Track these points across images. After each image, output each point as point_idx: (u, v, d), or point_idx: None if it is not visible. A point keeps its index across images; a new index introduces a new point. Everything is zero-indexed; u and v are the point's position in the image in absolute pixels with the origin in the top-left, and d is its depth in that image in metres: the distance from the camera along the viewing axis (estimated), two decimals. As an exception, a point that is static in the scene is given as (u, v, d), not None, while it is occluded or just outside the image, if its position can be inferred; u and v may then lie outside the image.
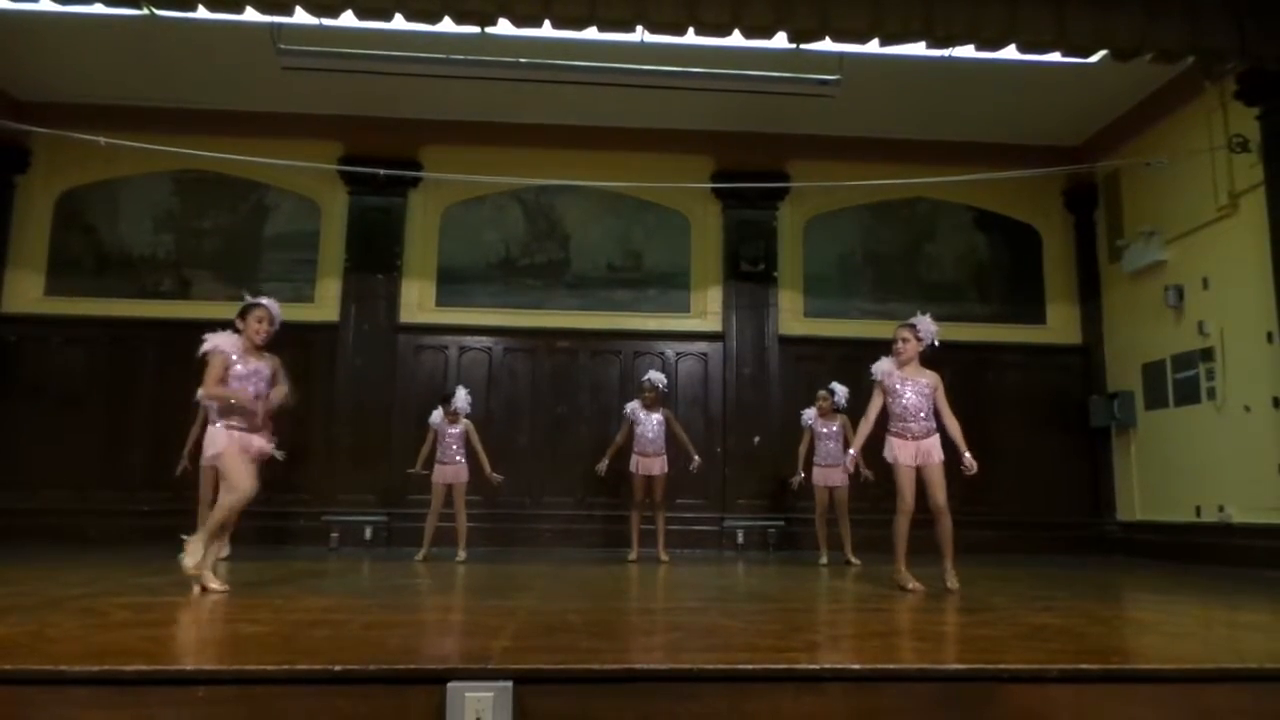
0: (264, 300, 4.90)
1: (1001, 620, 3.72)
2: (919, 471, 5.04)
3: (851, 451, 5.45)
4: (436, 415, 7.39)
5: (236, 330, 4.76)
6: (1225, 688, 2.56)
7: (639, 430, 7.55)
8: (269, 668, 2.39)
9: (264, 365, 4.78)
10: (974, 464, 5.00)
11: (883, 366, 5.22)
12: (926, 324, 5.22)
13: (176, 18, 6.58)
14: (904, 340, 5.18)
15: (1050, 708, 2.48)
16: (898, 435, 5.11)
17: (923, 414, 5.07)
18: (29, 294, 8.97)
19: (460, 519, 7.30)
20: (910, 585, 4.98)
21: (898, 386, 5.13)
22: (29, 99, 8.95)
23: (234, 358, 4.65)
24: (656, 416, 7.60)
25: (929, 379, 5.16)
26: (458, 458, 7.29)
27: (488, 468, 7.34)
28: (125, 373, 8.84)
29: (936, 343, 5.23)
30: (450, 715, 2.29)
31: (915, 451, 5.04)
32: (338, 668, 2.38)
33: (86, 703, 2.30)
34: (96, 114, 8.75)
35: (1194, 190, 8.09)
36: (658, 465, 7.53)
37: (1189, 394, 8.22)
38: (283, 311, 5.00)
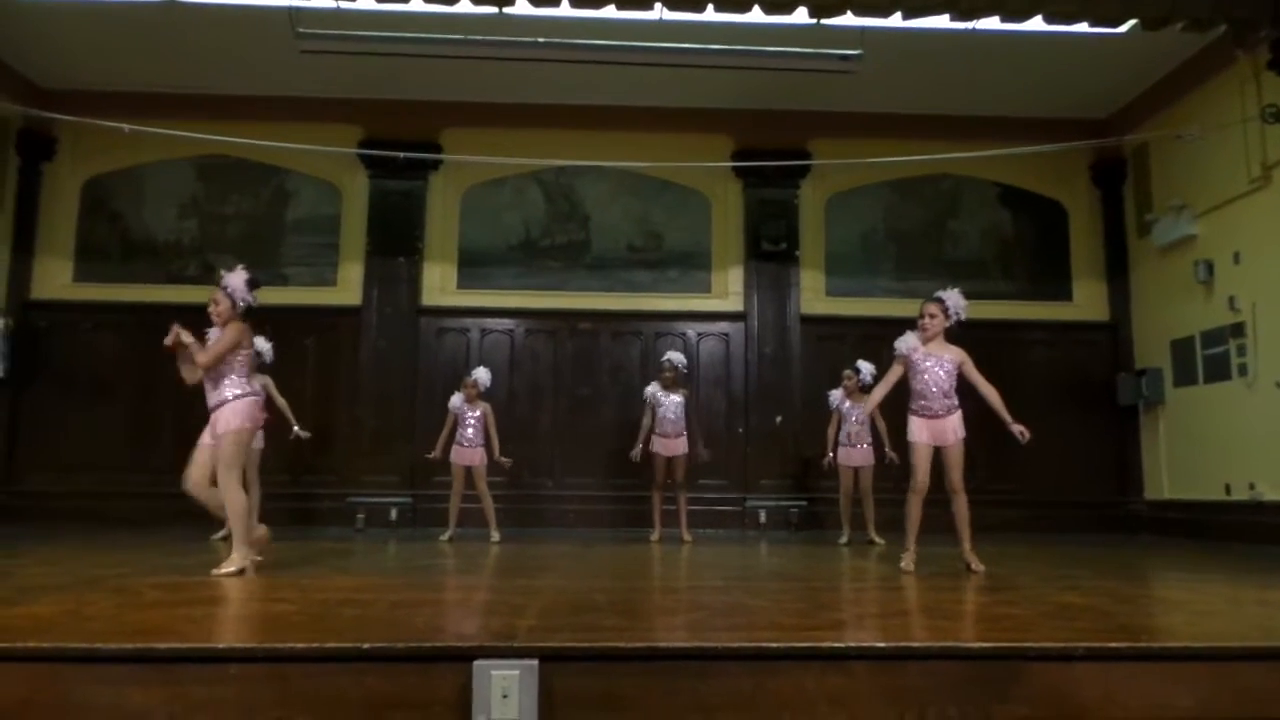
0: (226, 273, 4.66)
1: (1027, 599, 3.70)
2: (938, 451, 4.98)
3: (857, 412, 5.37)
4: (456, 399, 7.43)
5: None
6: (1256, 666, 2.53)
7: (660, 411, 7.55)
8: (299, 646, 2.43)
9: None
10: (1026, 431, 4.88)
11: (907, 342, 5.10)
12: (955, 298, 5.08)
13: (197, 3, 6.63)
14: (930, 315, 5.04)
15: (1076, 686, 2.47)
16: (918, 414, 5.03)
17: (944, 392, 4.97)
18: (57, 280, 9.10)
19: (485, 501, 7.36)
20: (903, 564, 4.95)
21: (920, 363, 5.02)
22: (54, 87, 9.03)
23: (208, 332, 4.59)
24: (676, 397, 7.59)
25: (953, 355, 5.03)
26: (476, 440, 7.34)
27: (497, 451, 7.38)
28: (153, 357, 8.88)
29: (963, 317, 5.13)
30: (476, 692, 2.32)
31: (935, 430, 4.97)
32: (366, 646, 2.41)
33: (122, 680, 2.34)
34: (120, 101, 8.82)
35: (1225, 163, 7.93)
36: (679, 446, 7.53)
37: (1219, 371, 8.10)
38: (258, 282, 4.70)
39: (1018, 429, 4.89)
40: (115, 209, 9.32)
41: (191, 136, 8.13)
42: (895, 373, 5.15)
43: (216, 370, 4.48)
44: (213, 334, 4.62)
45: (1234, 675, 2.51)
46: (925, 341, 5.06)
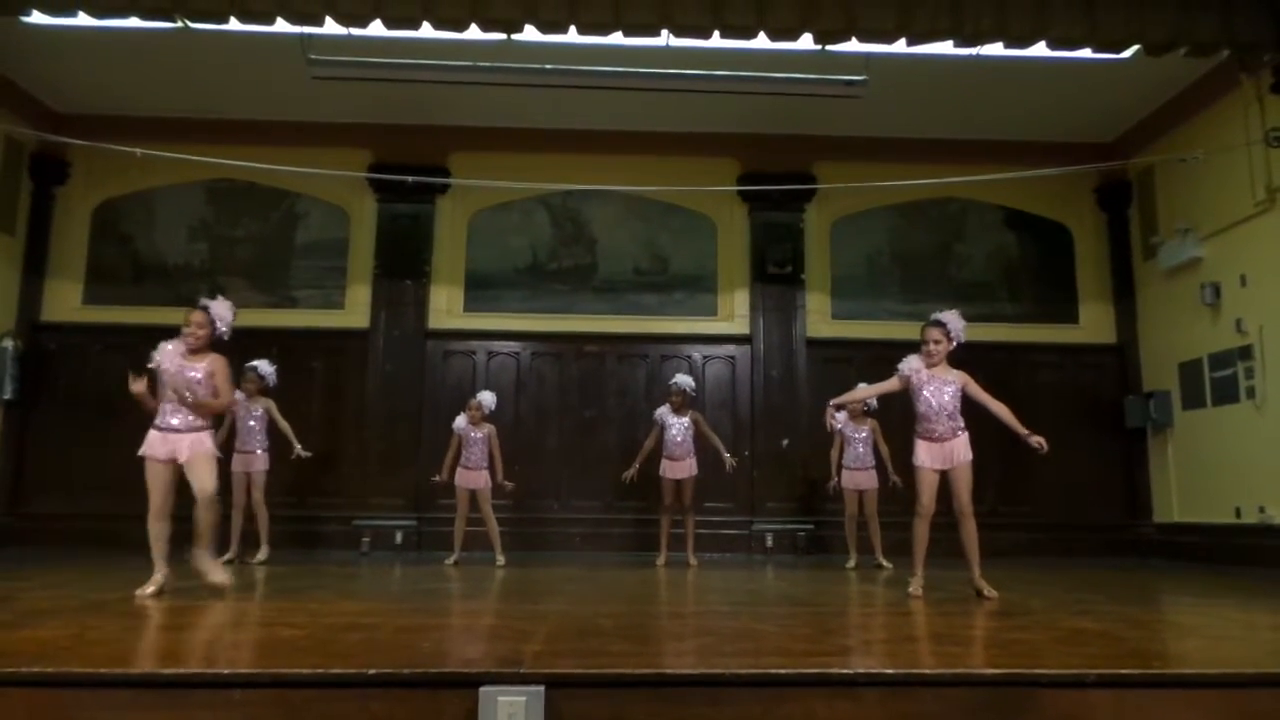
0: (207, 301, 4.74)
1: (1037, 624, 3.67)
2: (944, 474, 4.94)
3: (832, 403, 5.43)
4: (460, 420, 7.44)
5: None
6: (1271, 693, 2.50)
7: (667, 434, 7.55)
8: (304, 671, 2.42)
9: (197, 368, 4.66)
10: (1043, 442, 4.84)
11: (910, 364, 5.09)
12: (955, 320, 5.06)
13: (209, 30, 6.71)
14: (935, 342, 5.01)
15: (1089, 713, 2.44)
16: (922, 437, 5.02)
17: (948, 414, 4.95)
18: (68, 303, 9.15)
19: (490, 524, 7.34)
20: (910, 589, 4.92)
21: (923, 386, 5.01)
22: (67, 111, 9.14)
23: (161, 360, 4.68)
24: (684, 420, 7.59)
25: (956, 378, 5.02)
26: (480, 463, 7.33)
27: (500, 475, 7.37)
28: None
29: (963, 338, 5.10)
30: (483, 719, 2.30)
31: (939, 454, 4.94)
32: (372, 671, 2.40)
33: (126, 705, 2.33)
34: (132, 126, 8.91)
35: (1230, 185, 7.94)
36: (686, 469, 7.51)
37: (1227, 393, 8.06)
38: (237, 314, 4.81)
39: (1035, 440, 4.84)
40: (126, 232, 9.39)
41: (202, 160, 8.19)
42: (889, 384, 5.21)
43: (180, 397, 4.59)
44: (168, 352, 4.66)
45: (1248, 702, 2.48)
46: (930, 366, 5.04)
